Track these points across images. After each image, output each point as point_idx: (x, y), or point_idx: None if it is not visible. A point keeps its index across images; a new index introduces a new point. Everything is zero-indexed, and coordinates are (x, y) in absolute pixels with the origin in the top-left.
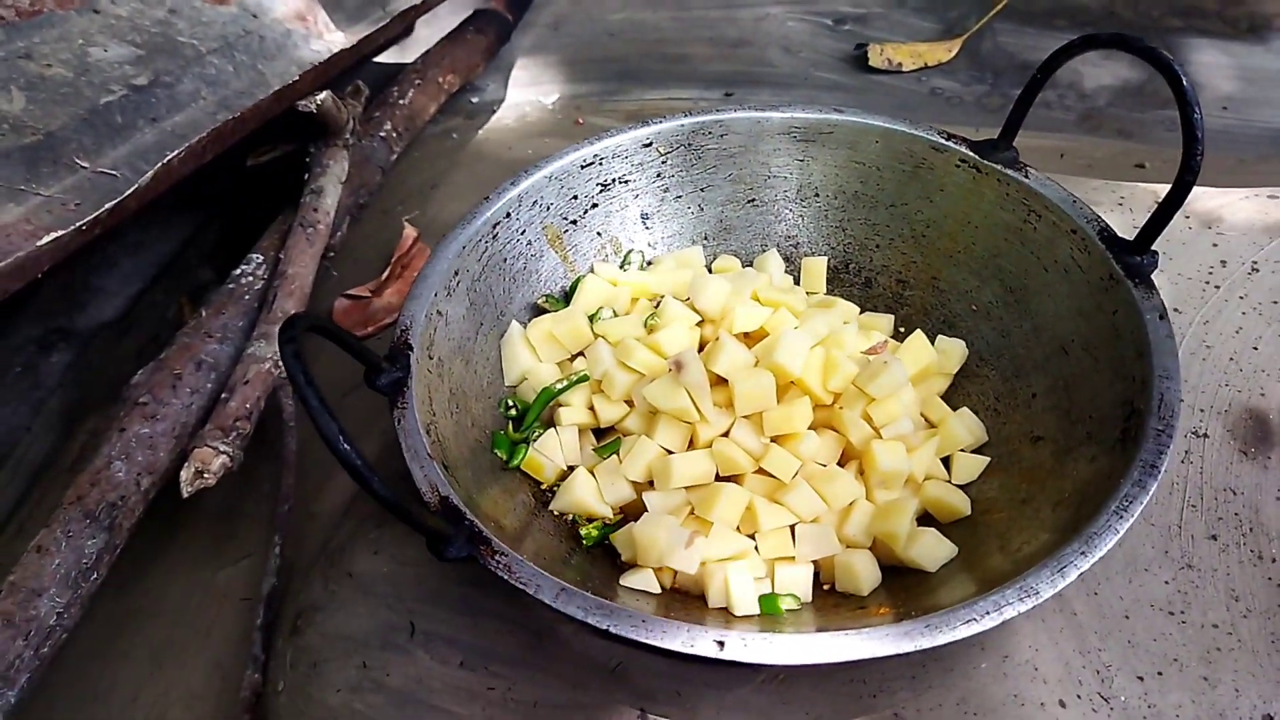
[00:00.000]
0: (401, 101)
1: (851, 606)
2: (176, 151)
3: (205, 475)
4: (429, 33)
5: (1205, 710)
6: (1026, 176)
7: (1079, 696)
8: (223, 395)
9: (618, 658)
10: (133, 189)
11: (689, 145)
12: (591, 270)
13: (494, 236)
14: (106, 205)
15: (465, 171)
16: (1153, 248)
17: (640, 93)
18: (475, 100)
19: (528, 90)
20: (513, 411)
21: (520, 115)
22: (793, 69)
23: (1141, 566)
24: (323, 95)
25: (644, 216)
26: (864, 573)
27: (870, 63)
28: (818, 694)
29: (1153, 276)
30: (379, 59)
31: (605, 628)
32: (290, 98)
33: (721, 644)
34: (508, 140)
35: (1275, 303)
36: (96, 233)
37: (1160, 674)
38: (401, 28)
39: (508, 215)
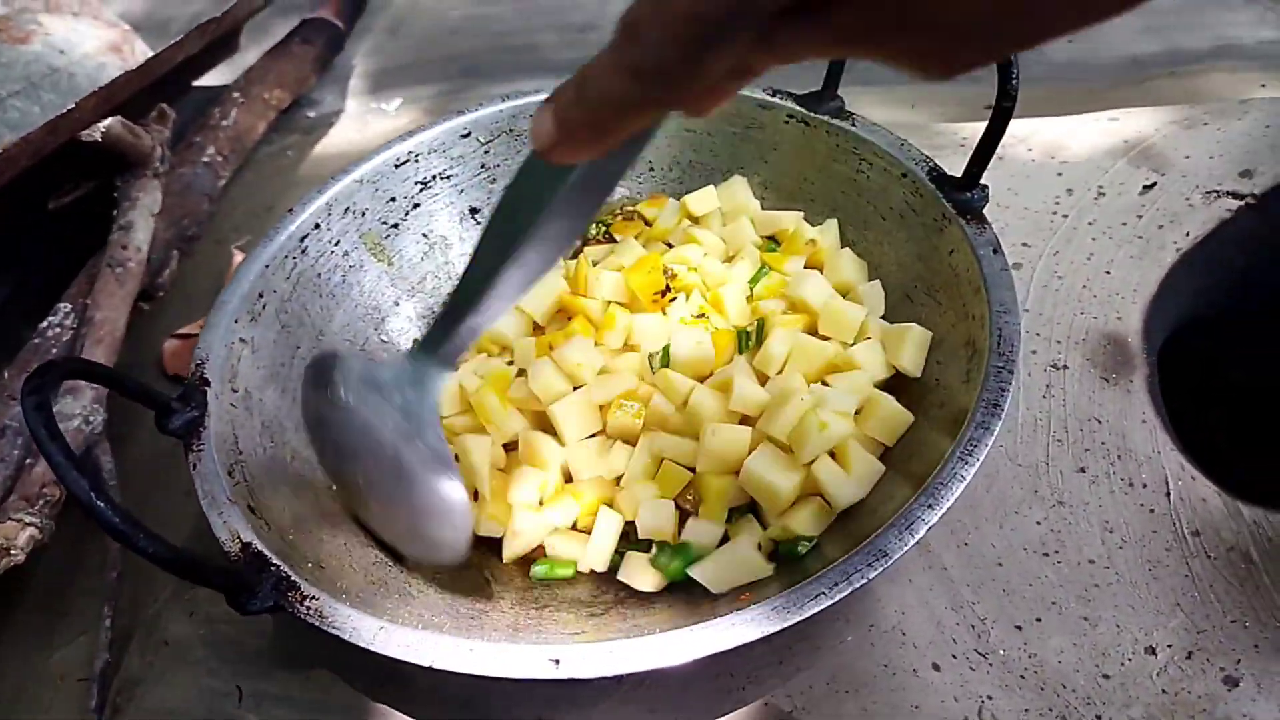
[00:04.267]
0: (224, 123)
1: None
2: None
3: (13, 552)
4: (259, 52)
5: (1088, 651)
6: (854, 125)
7: (954, 656)
8: (28, 461)
9: (470, 689)
10: None
11: (511, 131)
12: None
13: (303, 251)
14: None
15: (303, 190)
16: (983, 181)
17: (487, 88)
18: (312, 114)
19: (367, 99)
20: None
21: (362, 125)
22: None
23: (1011, 509)
24: (108, 122)
25: (472, 211)
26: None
27: None
28: (687, 694)
29: (1001, 213)
30: (204, 83)
31: (428, 664)
32: (69, 129)
33: (557, 661)
34: (349, 153)
35: (1124, 224)
36: None
37: (1039, 620)
38: (202, 44)
39: (316, 226)
